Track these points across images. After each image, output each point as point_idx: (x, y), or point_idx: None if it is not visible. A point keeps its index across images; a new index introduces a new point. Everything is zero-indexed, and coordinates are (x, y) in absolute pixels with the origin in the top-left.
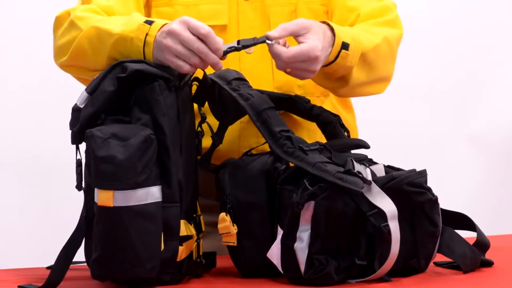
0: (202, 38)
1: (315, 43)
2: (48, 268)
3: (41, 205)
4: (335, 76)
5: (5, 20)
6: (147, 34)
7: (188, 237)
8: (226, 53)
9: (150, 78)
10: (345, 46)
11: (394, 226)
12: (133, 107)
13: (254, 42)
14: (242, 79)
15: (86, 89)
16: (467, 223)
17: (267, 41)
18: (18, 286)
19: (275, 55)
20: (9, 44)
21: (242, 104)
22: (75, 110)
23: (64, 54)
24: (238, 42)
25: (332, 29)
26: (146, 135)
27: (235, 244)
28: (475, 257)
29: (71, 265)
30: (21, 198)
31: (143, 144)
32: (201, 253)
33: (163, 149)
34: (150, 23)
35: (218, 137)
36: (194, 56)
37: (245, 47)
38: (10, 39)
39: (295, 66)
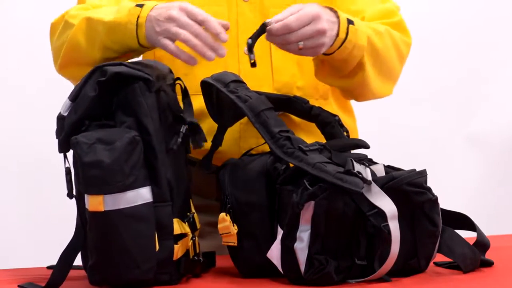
0: (200, 24)
1: (309, 5)
2: (48, 268)
3: (41, 205)
4: (352, 65)
5: (5, 20)
6: (138, 16)
7: (182, 235)
8: (250, 48)
9: (129, 80)
10: (350, 21)
11: (394, 226)
12: (116, 110)
13: (257, 32)
14: (239, 81)
15: (68, 97)
16: (467, 223)
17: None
18: (18, 286)
19: (285, 29)
20: (9, 44)
21: (241, 106)
22: (60, 118)
23: (60, 56)
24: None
25: (330, 8)
26: (131, 136)
27: (235, 244)
28: (475, 257)
29: (71, 269)
30: (21, 198)
31: (129, 146)
32: (198, 251)
33: (149, 150)
34: (141, 6)
35: (217, 139)
36: (193, 39)
37: (253, 40)
38: (10, 39)
39: (304, 33)
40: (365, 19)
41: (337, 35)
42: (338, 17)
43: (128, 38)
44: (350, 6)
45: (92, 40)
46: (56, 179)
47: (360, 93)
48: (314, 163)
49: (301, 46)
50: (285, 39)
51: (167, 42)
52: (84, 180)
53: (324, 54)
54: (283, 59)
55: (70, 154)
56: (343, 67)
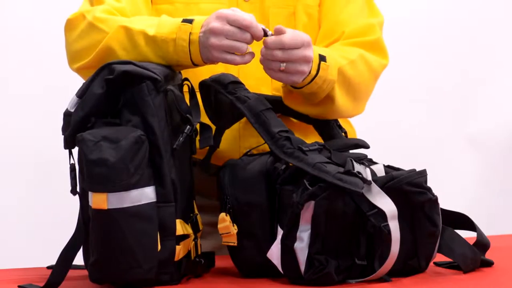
0: (245, 29)
1: (301, 32)
2: (48, 268)
3: (42, 205)
4: (320, 97)
5: (5, 20)
6: (190, 33)
7: (185, 236)
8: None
9: (137, 79)
10: (322, 58)
11: (394, 226)
12: (122, 109)
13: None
14: (238, 82)
15: (76, 93)
16: (467, 223)
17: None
18: (18, 286)
19: (277, 44)
20: (9, 44)
21: (240, 107)
22: (66, 115)
23: (85, 58)
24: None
25: None
26: (137, 136)
27: (235, 244)
28: (475, 257)
29: (70, 269)
30: (21, 198)
31: (134, 145)
32: (199, 253)
33: (154, 150)
34: (190, 21)
35: (215, 141)
36: (243, 45)
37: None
38: (10, 39)
39: (292, 55)
40: (345, 35)
41: (309, 72)
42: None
43: (179, 55)
44: (337, 15)
45: (131, 51)
46: (56, 179)
47: (329, 116)
48: (314, 163)
49: (283, 67)
50: (273, 54)
51: (229, 56)
52: (89, 178)
53: (293, 86)
54: None
55: (75, 150)
56: (312, 98)
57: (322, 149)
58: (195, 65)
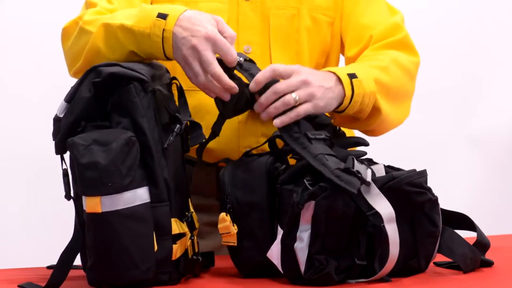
0: (213, 78)
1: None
2: (48, 268)
3: (42, 205)
4: (367, 112)
5: (5, 20)
6: (164, 29)
7: (181, 235)
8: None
9: (124, 80)
10: (352, 75)
11: (392, 229)
12: (111, 111)
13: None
14: (250, 61)
15: (64, 98)
16: (467, 223)
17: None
18: (18, 286)
19: (271, 71)
20: (9, 44)
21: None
22: (56, 120)
23: (78, 61)
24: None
25: (327, 71)
26: (127, 137)
27: (235, 244)
28: (475, 257)
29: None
30: (21, 198)
31: (125, 147)
32: (197, 251)
33: (145, 150)
34: (164, 17)
35: (216, 127)
36: (207, 78)
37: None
38: (10, 39)
39: (293, 82)
40: (373, 39)
41: (344, 94)
42: (334, 73)
43: (153, 49)
44: (360, 19)
45: (113, 47)
46: (56, 180)
47: (380, 130)
48: (316, 154)
49: (296, 99)
50: (275, 90)
51: (190, 73)
52: (81, 182)
53: (336, 112)
54: (283, 60)
55: (67, 155)
56: (359, 116)
57: (327, 140)
58: (168, 59)
